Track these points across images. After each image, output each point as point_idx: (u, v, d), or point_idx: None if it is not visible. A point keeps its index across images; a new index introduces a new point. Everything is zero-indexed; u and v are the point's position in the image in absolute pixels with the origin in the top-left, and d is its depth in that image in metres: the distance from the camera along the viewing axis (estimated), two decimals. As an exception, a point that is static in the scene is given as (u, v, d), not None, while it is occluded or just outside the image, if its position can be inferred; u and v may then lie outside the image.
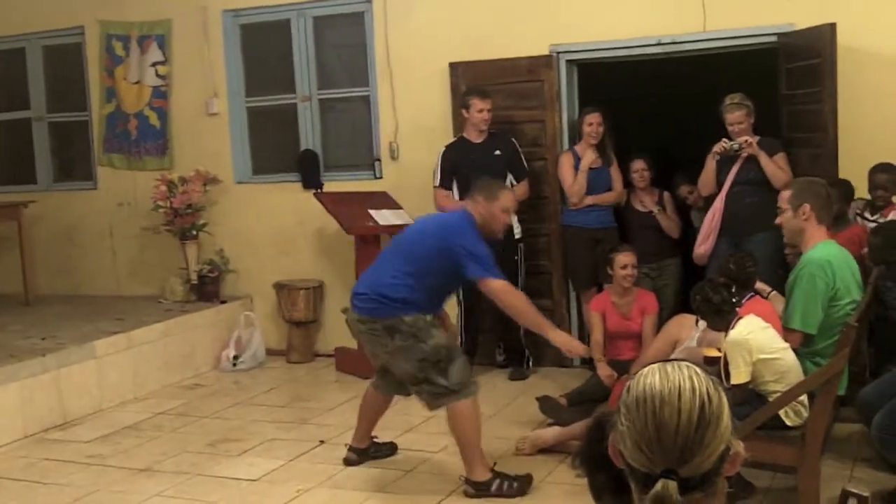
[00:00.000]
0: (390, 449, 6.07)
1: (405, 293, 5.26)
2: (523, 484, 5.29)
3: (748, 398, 4.69)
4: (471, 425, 5.30)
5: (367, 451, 5.97)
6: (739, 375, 4.67)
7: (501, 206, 5.45)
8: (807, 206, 5.04)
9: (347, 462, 5.95)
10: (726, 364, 4.81)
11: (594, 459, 2.67)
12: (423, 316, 5.28)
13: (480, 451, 5.35)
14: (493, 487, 5.26)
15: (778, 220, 5.23)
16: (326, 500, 5.44)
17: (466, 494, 5.30)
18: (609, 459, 2.59)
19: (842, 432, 5.68)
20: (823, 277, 4.91)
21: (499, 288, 5.28)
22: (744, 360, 4.68)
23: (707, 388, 1.71)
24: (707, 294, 4.93)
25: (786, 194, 5.18)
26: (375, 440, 6.03)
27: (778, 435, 4.63)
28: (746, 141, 6.83)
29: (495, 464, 5.42)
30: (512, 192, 5.68)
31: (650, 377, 1.74)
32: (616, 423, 1.77)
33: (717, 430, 1.69)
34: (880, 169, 6.40)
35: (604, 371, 6.57)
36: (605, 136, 7.58)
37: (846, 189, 6.40)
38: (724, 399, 1.73)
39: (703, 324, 5.37)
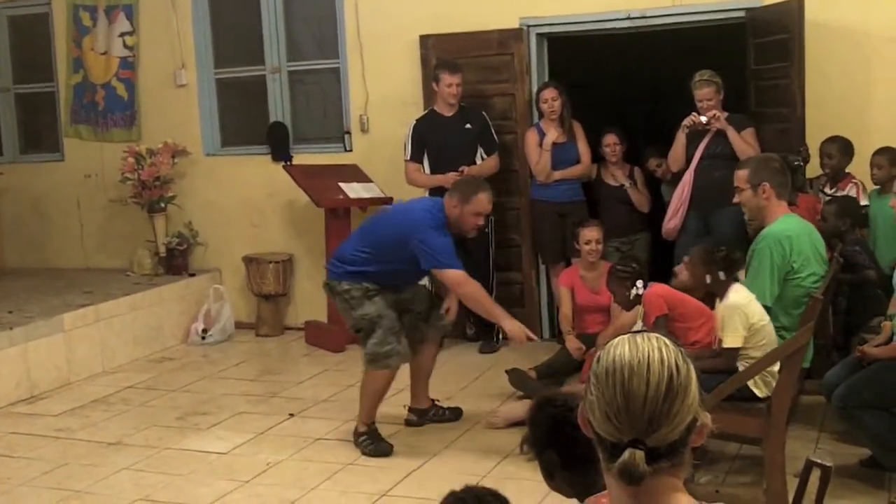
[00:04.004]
0: (454, 414, 6.17)
1: (359, 265, 5.65)
2: (381, 449, 5.61)
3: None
4: (369, 392, 5.68)
5: (426, 412, 6.13)
6: (736, 339, 4.74)
7: (473, 210, 5.62)
8: (766, 185, 5.06)
9: (408, 423, 6.13)
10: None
11: (541, 440, 2.71)
12: (360, 285, 5.61)
13: (370, 411, 5.71)
14: (360, 440, 5.68)
15: (736, 199, 5.25)
16: (296, 473, 5.46)
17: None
18: (555, 438, 2.64)
19: (807, 404, 5.75)
20: (779, 251, 4.95)
21: (452, 278, 5.55)
22: (742, 325, 4.75)
23: (675, 360, 1.73)
24: (732, 250, 5.02)
25: (742, 174, 5.18)
26: (438, 403, 6.18)
27: (744, 407, 4.67)
28: (715, 115, 6.86)
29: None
30: (489, 196, 5.73)
31: (620, 347, 1.76)
32: (585, 393, 1.79)
33: (684, 401, 1.71)
34: (829, 139, 6.60)
35: (572, 344, 6.61)
36: (565, 109, 7.56)
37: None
38: (692, 371, 1.75)
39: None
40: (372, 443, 5.66)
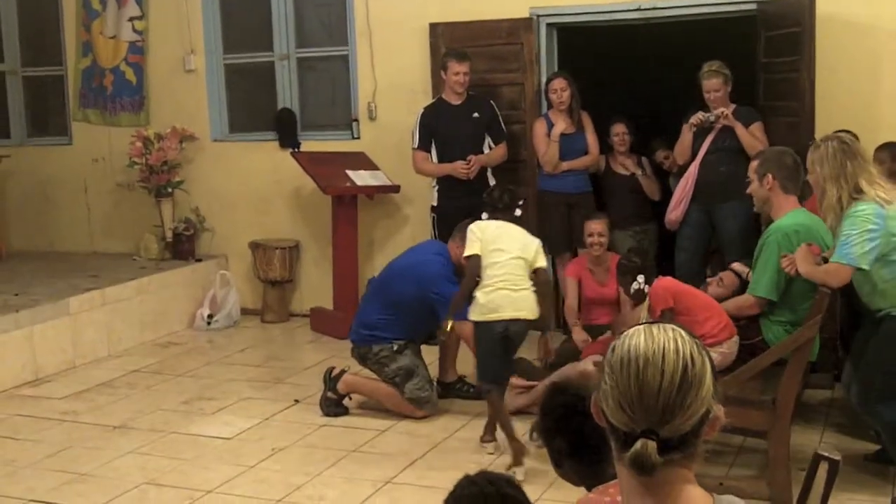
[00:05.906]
0: (478, 392, 6.34)
1: (385, 329, 6.12)
2: (339, 411, 6.19)
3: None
4: (385, 402, 6.15)
5: (451, 386, 6.53)
6: (473, 249, 5.45)
7: None
8: (769, 176, 5.08)
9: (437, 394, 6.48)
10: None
11: (551, 427, 2.72)
12: (389, 346, 6.10)
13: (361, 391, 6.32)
14: (327, 400, 6.22)
15: (748, 190, 5.28)
16: (300, 459, 5.47)
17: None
18: (565, 426, 2.64)
19: (812, 398, 5.76)
20: (787, 246, 4.94)
21: (465, 332, 5.82)
22: (475, 238, 5.48)
23: (691, 351, 1.73)
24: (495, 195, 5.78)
25: (754, 164, 5.24)
26: (465, 379, 6.51)
27: (750, 400, 4.68)
28: (723, 113, 6.83)
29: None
30: None
31: (635, 338, 1.76)
32: (599, 382, 1.79)
33: (698, 393, 1.71)
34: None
35: (579, 336, 6.60)
36: (573, 100, 7.55)
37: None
38: (708, 363, 1.75)
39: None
40: (336, 405, 6.20)
